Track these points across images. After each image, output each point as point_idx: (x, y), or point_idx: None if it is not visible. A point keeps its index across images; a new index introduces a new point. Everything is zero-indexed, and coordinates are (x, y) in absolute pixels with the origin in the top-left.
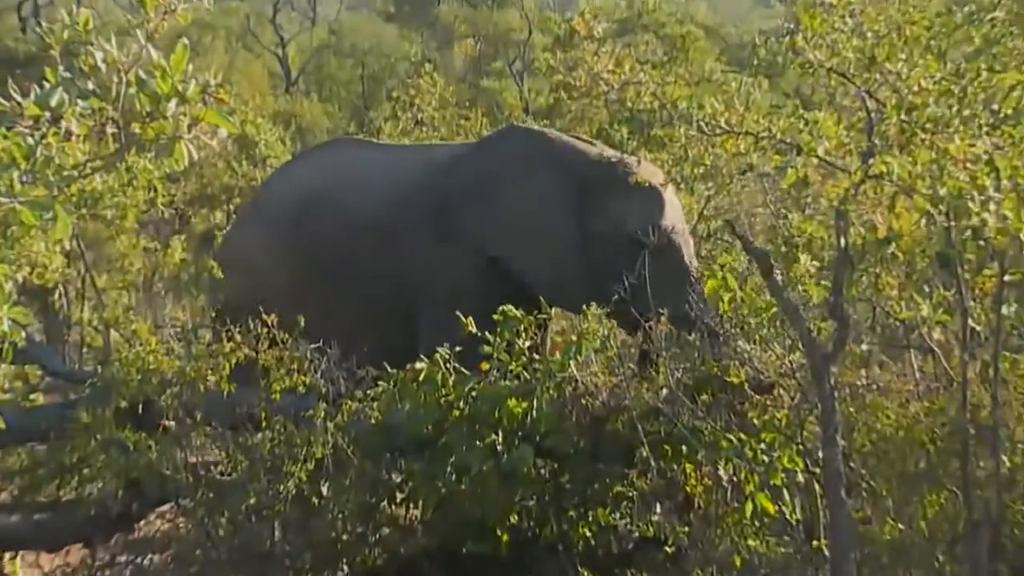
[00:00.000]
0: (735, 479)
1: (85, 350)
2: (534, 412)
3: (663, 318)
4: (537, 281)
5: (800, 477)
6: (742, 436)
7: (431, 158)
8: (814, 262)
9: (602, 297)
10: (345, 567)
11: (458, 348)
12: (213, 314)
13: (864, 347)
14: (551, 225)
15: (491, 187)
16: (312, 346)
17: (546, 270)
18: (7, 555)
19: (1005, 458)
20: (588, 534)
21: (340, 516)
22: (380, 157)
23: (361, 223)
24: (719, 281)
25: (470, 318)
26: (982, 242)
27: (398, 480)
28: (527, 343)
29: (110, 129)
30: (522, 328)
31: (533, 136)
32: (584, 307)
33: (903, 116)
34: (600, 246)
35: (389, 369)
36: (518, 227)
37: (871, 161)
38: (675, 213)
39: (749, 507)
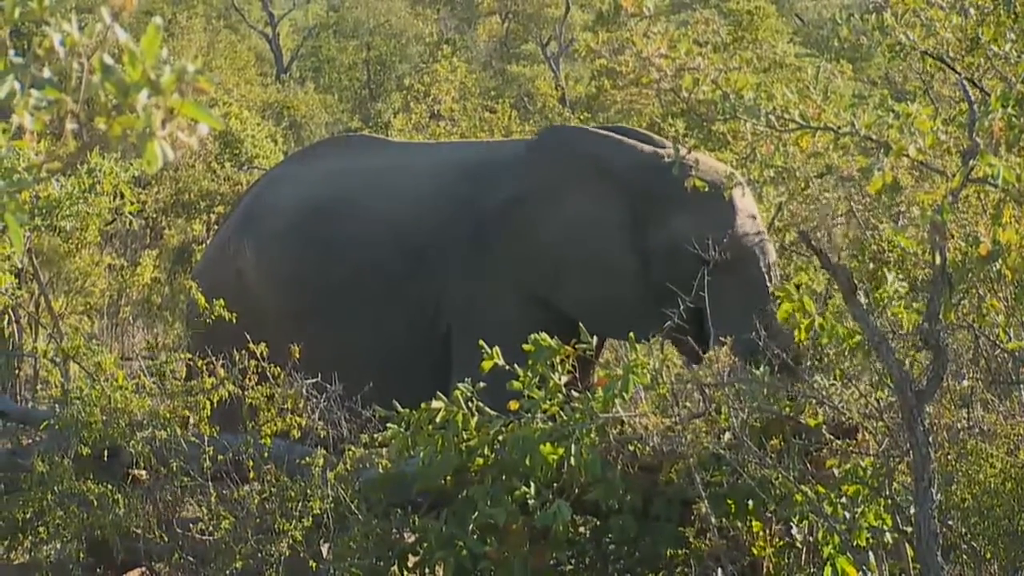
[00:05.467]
0: (811, 539)
1: (40, 386)
2: (572, 460)
3: (728, 346)
4: (589, 320)
5: (888, 537)
6: (819, 488)
7: (462, 163)
8: (903, 283)
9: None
10: None
11: (486, 385)
12: (191, 344)
13: (965, 383)
14: (599, 253)
15: (528, 213)
16: (309, 381)
17: (597, 306)
18: None
19: None
20: None
21: None
22: (404, 158)
23: (390, 240)
24: (795, 304)
25: (496, 348)
26: None
27: (411, 540)
28: (564, 378)
29: (70, 124)
30: (558, 361)
31: (572, 144)
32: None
33: (1011, 109)
34: (661, 266)
35: (400, 409)
36: (561, 260)
37: (973, 163)
38: (748, 219)
39: (828, 572)
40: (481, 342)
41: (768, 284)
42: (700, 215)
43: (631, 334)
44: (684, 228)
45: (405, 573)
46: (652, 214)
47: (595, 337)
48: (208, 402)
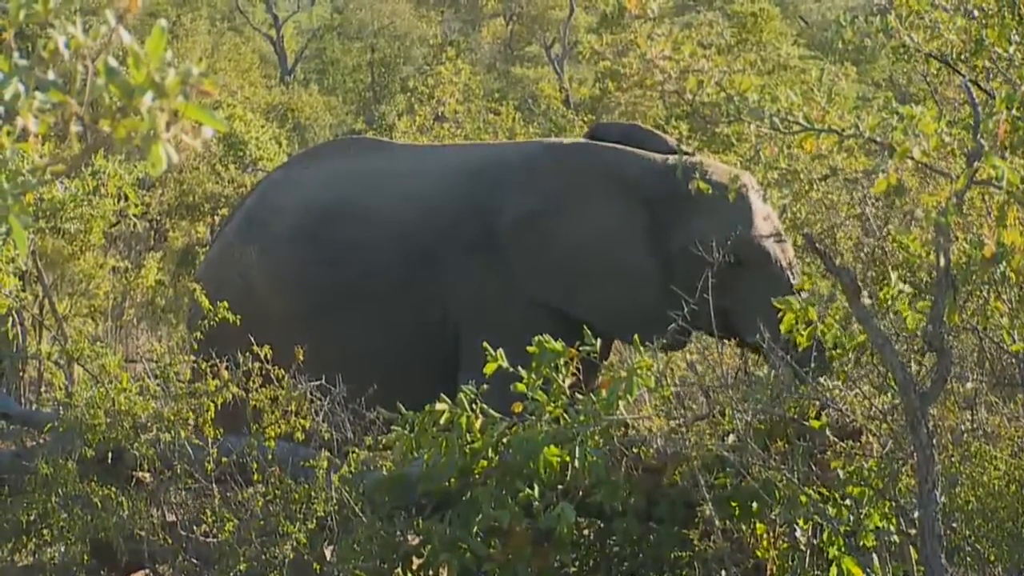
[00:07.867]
0: (815, 541)
1: (44, 388)
2: (576, 462)
3: (764, 342)
4: (610, 325)
5: (894, 538)
6: (824, 490)
7: (468, 166)
8: (907, 285)
9: (693, 324)
10: None
11: (495, 388)
12: (194, 347)
13: (969, 385)
14: (620, 259)
15: (545, 221)
16: (313, 383)
17: (619, 312)
18: None
19: None
20: None
21: None
22: (409, 161)
23: (396, 243)
24: (798, 312)
25: (500, 351)
26: None
27: (415, 542)
28: (568, 380)
29: (74, 127)
30: (562, 363)
31: (586, 155)
32: (638, 336)
33: (1016, 110)
34: (683, 267)
35: (404, 411)
36: (581, 268)
37: (977, 164)
38: (766, 219)
39: (833, 574)
40: (486, 344)
41: (791, 282)
42: (719, 216)
43: (636, 336)
44: (705, 230)
45: (409, 574)
46: (672, 217)
47: (599, 340)
48: (212, 404)
